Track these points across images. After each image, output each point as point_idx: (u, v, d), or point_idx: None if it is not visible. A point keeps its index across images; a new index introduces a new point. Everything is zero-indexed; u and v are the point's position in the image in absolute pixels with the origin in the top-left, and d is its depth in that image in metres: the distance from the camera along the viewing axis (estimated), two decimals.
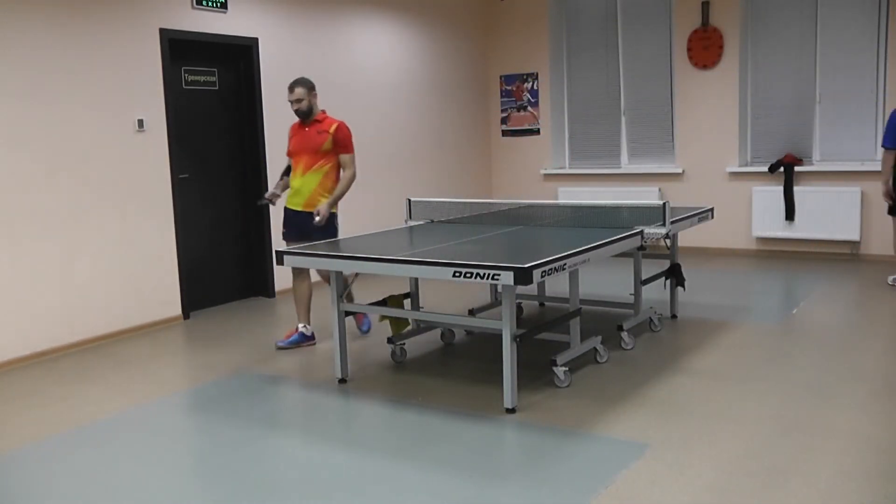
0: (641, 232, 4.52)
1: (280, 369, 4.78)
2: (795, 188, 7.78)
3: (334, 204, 5.12)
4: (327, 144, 5.06)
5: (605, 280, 6.75)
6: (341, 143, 5.10)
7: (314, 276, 5.49)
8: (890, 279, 6.48)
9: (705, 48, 8.18)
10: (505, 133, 9.61)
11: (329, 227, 5.11)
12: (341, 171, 5.17)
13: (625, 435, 3.52)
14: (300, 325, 5.23)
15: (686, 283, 5.72)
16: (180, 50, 6.20)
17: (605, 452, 3.34)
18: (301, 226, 5.15)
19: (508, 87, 9.51)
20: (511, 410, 3.83)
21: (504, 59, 9.51)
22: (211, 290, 6.60)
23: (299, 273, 5.18)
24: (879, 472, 3.06)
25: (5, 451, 3.66)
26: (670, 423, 3.63)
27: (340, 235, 5.19)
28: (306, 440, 3.63)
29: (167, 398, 4.34)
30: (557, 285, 5.45)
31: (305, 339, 5.21)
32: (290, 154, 5.21)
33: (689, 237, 8.04)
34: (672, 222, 4.84)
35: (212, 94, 6.58)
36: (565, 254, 3.74)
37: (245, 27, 6.62)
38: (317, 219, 5.01)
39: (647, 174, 8.71)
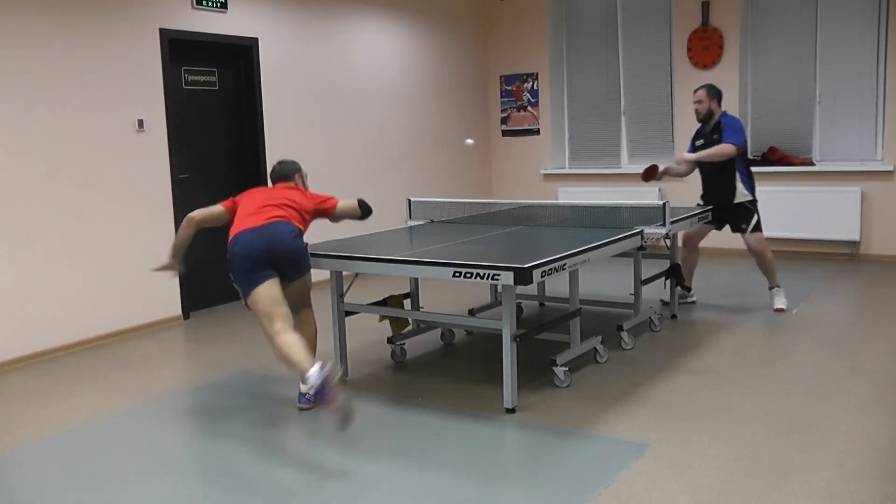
0: (641, 232, 4.52)
1: (280, 369, 4.77)
2: (796, 188, 7.77)
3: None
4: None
5: (605, 280, 6.75)
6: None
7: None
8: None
9: (705, 48, 8.18)
10: (505, 133, 9.61)
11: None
12: None
13: (625, 435, 3.52)
14: None
15: (686, 283, 5.72)
16: (180, 50, 6.19)
17: (605, 452, 3.34)
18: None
19: (508, 87, 9.51)
20: (511, 410, 3.83)
21: (504, 59, 9.51)
22: (211, 290, 6.59)
23: None
24: (879, 472, 3.06)
25: (5, 451, 3.66)
26: (670, 423, 3.63)
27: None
28: (306, 440, 3.63)
29: (167, 398, 4.34)
30: (557, 285, 5.44)
31: None
32: None
33: None
34: (672, 222, 4.84)
35: (212, 94, 6.58)
36: (565, 254, 3.74)
37: (245, 27, 6.62)
38: None
39: None
